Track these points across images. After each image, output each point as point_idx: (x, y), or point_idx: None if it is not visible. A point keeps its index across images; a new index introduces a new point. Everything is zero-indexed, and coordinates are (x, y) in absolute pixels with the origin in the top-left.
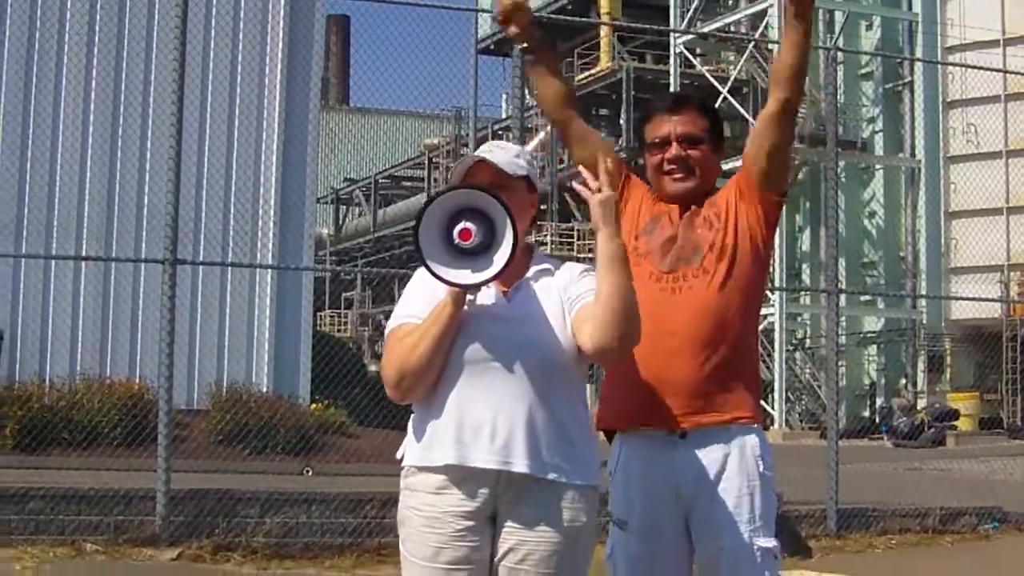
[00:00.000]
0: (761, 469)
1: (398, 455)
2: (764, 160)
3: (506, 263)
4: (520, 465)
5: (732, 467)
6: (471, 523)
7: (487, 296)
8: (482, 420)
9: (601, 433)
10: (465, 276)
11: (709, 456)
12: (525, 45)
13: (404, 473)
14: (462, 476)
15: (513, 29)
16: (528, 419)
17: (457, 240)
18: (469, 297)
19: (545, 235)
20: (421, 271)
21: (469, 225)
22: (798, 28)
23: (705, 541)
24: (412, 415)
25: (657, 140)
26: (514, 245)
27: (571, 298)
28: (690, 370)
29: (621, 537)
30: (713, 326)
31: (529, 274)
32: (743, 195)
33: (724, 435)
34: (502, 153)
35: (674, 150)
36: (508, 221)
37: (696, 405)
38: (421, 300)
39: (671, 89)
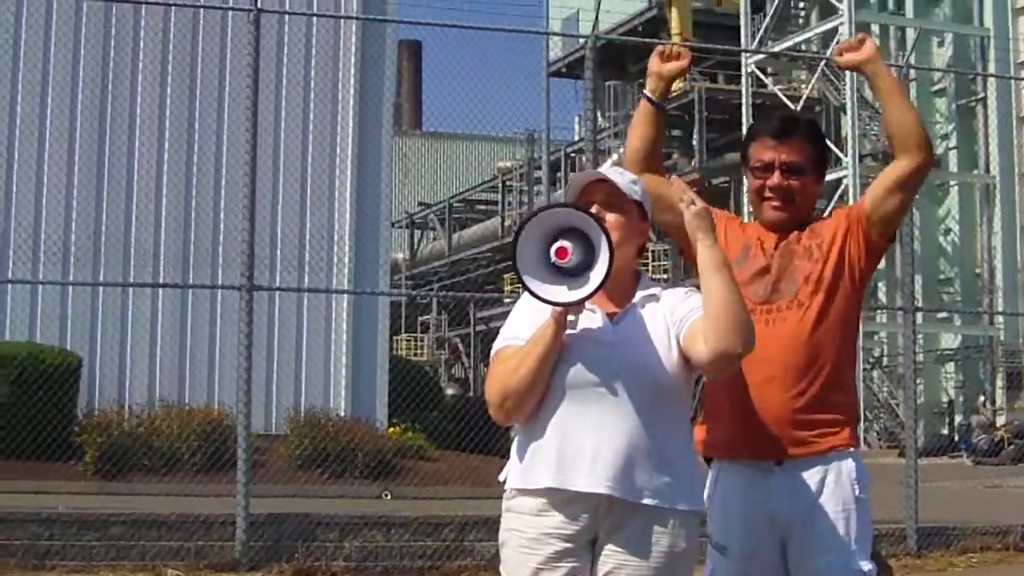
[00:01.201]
0: (857, 493)
1: (501, 477)
2: (887, 207)
3: (601, 282)
4: (620, 491)
5: (828, 491)
6: (570, 545)
7: (593, 320)
8: (584, 444)
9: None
10: (560, 294)
11: (805, 482)
12: (656, 88)
13: (506, 495)
14: (562, 500)
15: (668, 67)
16: (630, 444)
17: (554, 259)
18: (571, 318)
19: None
20: (527, 294)
21: (566, 244)
22: (883, 83)
23: (801, 565)
24: (515, 437)
25: (760, 164)
26: (610, 265)
27: (679, 318)
28: (783, 401)
29: (721, 562)
30: (806, 359)
31: (636, 299)
32: (851, 230)
33: (820, 461)
34: (620, 176)
35: (776, 179)
36: (604, 241)
37: (791, 436)
38: (527, 322)
39: (743, 109)
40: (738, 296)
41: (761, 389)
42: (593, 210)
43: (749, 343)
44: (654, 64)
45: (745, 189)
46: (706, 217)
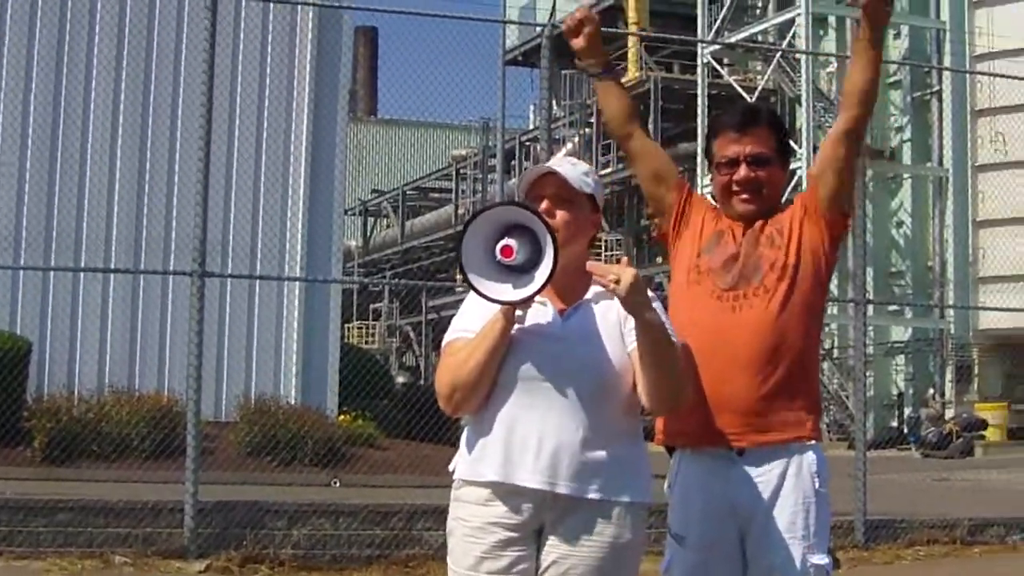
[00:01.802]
0: (817, 486)
1: (450, 467)
2: (832, 179)
3: (545, 281)
4: (564, 487)
5: (788, 484)
6: (515, 535)
7: (543, 315)
8: (529, 439)
9: (662, 447)
10: (506, 292)
11: (766, 474)
12: (591, 60)
13: (455, 485)
14: (506, 492)
15: (580, 42)
16: (576, 439)
17: (499, 257)
18: (519, 313)
19: None
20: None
21: (511, 242)
22: (870, 51)
23: (758, 557)
24: (465, 428)
25: (725, 160)
26: (554, 264)
27: (631, 329)
28: (749, 388)
29: (679, 552)
30: (772, 345)
31: (588, 295)
32: (808, 214)
33: (782, 452)
34: (571, 168)
35: (743, 171)
36: (550, 239)
37: (754, 423)
38: (477, 315)
39: (699, 99)
40: (678, 366)
41: (725, 376)
42: (543, 205)
43: (686, 401)
44: (572, 45)
45: (708, 182)
46: (642, 288)
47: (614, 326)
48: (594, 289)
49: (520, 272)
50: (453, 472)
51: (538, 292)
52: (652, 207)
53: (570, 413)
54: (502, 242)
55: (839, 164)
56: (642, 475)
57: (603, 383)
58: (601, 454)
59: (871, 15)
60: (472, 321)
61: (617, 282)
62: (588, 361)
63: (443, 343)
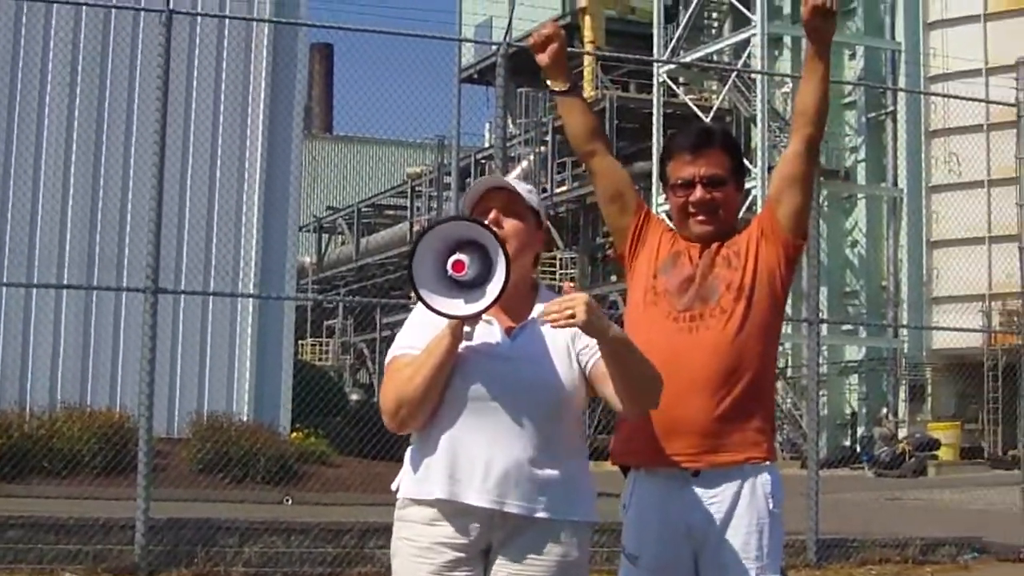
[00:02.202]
0: (771, 507)
1: (393, 486)
2: (790, 200)
3: (499, 294)
4: (512, 506)
5: (743, 505)
6: (462, 555)
7: (490, 334)
8: (476, 458)
9: (616, 467)
10: (458, 307)
11: (720, 495)
12: (555, 77)
13: (399, 504)
14: (453, 512)
15: (544, 58)
16: (523, 458)
17: (451, 272)
18: (467, 329)
19: None
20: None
21: (463, 257)
22: (818, 67)
23: None
24: (410, 446)
25: (680, 182)
26: (506, 278)
27: (584, 346)
28: (705, 410)
29: (632, 572)
30: (729, 366)
31: (535, 313)
32: (765, 235)
33: (736, 474)
34: (517, 184)
35: (699, 193)
36: (501, 253)
37: (709, 444)
38: (422, 332)
39: (654, 119)
40: (647, 370)
41: (681, 398)
42: (491, 215)
43: (657, 402)
44: (538, 61)
45: (663, 202)
46: (596, 310)
47: (563, 345)
48: (539, 307)
49: (470, 288)
50: (396, 491)
51: (491, 305)
52: (609, 225)
53: (518, 433)
54: (453, 257)
55: (796, 185)
56: (588, 494)
57: (551, 403)
58: (549, 473)
59: (812, 31)
60: (416, 338)
61: (572, 315)
62: (536, 381)
63: (387, 359)
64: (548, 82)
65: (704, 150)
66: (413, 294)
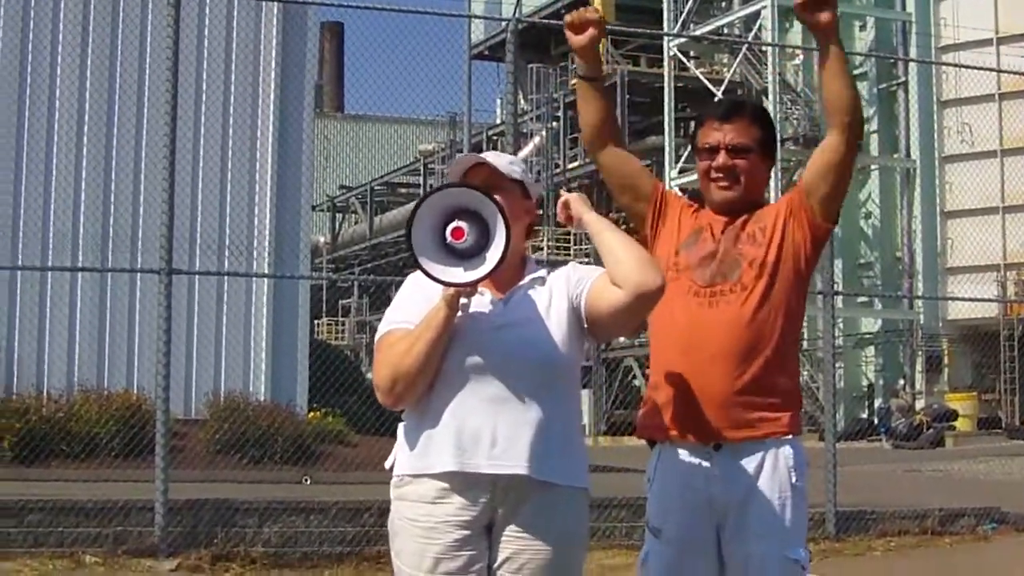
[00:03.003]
0: (794, 480)
1: (387, 464)
2: (824, 188)
3: (499, 260)
4: (521, 468)
5: (765, 478)
6: (468, 532)
7: (482, 303)
8: (481, 426)
9: (642, 440)
10: (457, 275)
11: (743, 468)
12: (586, 62)
13: (396, 483)
14: (463, 483)
15: (582, 39)
16: (527, 424)
17: (450, 239)
18: (463, 301)
19: (542, 240)
20: (413, 276)
21: (462, 224)
22: (828, 58)
23: (734, 551)
24: (402, 423)
25: (706, 147)
26: (507, 244)
27: (577, 280)
28: (725, 384)
29: (655, 545)
30: (748, 342)
31: (524, 282)
32: (794, 215)
33: (759, 447)
34: (497, 157)
35: (721, 159)
36: (501, 220)
37: (731, 418)
38: (414, 306)
39: (665, 93)
40: (636, 243)
41: (703, 371)
42: None
43: (661, 277)
44: (569, 39)
45: (676, 175)
46: (581, 200)
47: (554, 308)
48: (529, 276)
49: (468, 256)
50: (391, 469)
51: (493, 272)
52: (626, 213)
53: (518, 398)
54: (452, 224)
55: (833, 173)
56: (584, 461)
57: (549, 366)
58: (553, 438)
59: (809, 25)
60: (409, 312)
61: (566, 204)
62: (532, 345)
63: (377, 335)
64: (576, 64)
65: (733, 118)
66: (412, 263)
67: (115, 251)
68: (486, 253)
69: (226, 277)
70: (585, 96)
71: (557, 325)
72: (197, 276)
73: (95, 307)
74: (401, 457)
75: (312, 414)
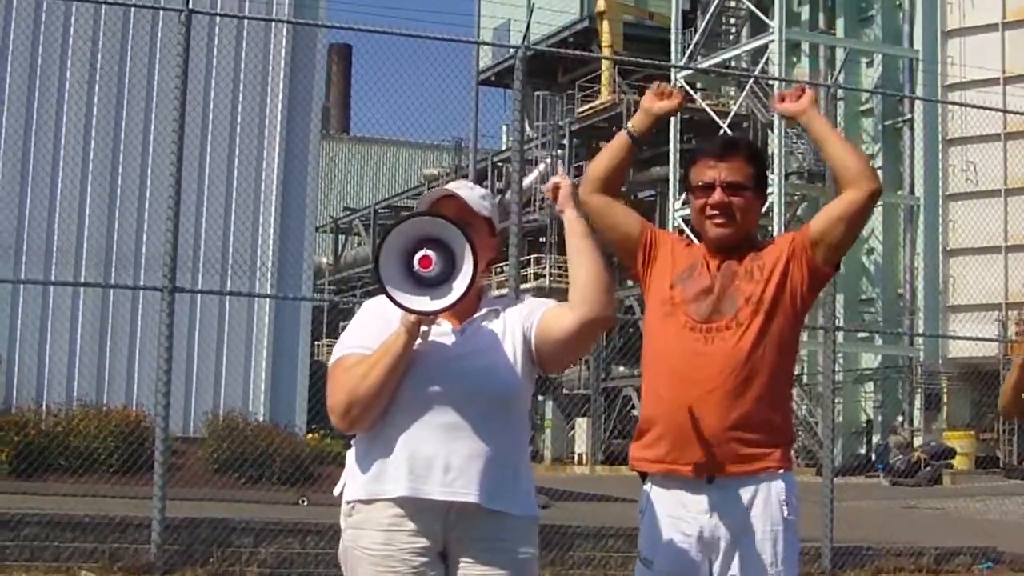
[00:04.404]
0: (786, 515)
1: (336, 490)
2: (832, 237)
3: (466, 290)
4: (473, 496)
5: (757, 512)
6: (425, 559)
7: (439, 333)
8: (435, 453)
9: (635, 472)
10: (423, 303)
11: (735, 502)
12: (644, 124)
13: (347, 511)
14: (416, 509)
15: (664, 105)
16: (479, 451)
17: (417, 268)
18: (423, 329)
19: (544, 266)
20: (371, 301)
21: (429, 253)
22: (817, 135)
23: None
24: (351, 449)
25: (702, 184)
26: (474, 275)
27: (529, 312)
28: (719, 418)
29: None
30: (743, 377)
31: (480, 313)
32: (795, 256)
33: (752, 481)
34: (469, 191)
35: (718, 196)
36: (468, 249)
37: (724, 453)
38: (372, 331)
39: (671, 124)
40: (605, 263)
41: (697, 406)
42: None
43: (613, 309)
44: (647, 100)
45: (673, 206)
46: (577, 192)
47: (508, 340)
48: (484, 308)
49: (434, 285)
50: (340, 495)
51: (459, 301)
52: (616, 252)
53: (472, 427)
54: (420, 253)
55: (843, 226)
56: (532, 490)
57: (503, 396)
58: (504, 468)
59: (799, 118)
60: (365, 337)
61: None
62: (487, 375)
63: (333, 358)
64: (632, 124)
65: (728, 156)
66: (378, 290)
67: (118, 268)
68: (452, 283)
69: (228, 296)
70: (619, 149)
71: (512, 356)
72: (200, 295)
73: (96, 323)
74: (352, 483)
75: (311, 435)
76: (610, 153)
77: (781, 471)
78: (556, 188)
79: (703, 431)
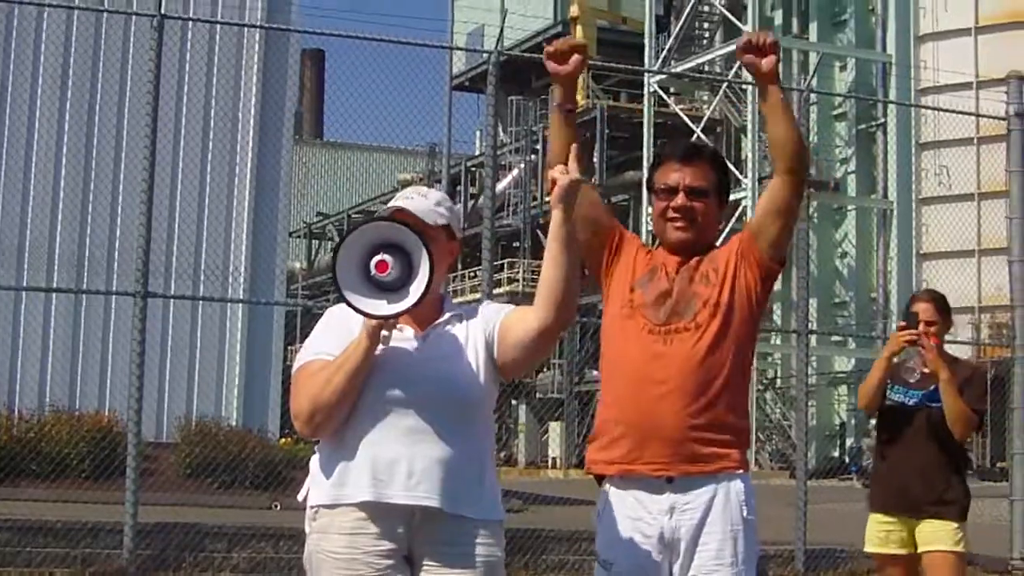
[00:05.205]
0: (745, 514)
1: (300, 496)
2: (770, 231)
3: (423, 294)
4: (436, 501)
5: (716, 512)
6: (390, 562)
7: (402, 338)
8: (398, 458)
9: (591, 476)
10: (381, 307)
11: (695, 502)
12: (563, 93)
13: (311, 515)
14: (379, 513)
15: (566, 68)
16: (442, 456)
17: (374, 272)
18: (384, 334)
19: (518, 271)
20: (334, 309)
21: (386, 257)
22: (768, 103)
23: None
24: (315, 455)
25: (665, 187)
26: (431, 277)
27: (493, 316)
28: (677, 420)
29: None
30: (701, 380)
31: (442, 319)
32: (744, 256)
33: (711, 481)
34: (422, 201)
35: (679, 200)
36: (424, 254)
37: (683, 453)
38: (335, 337)
39: (644, 128)
40: (575, 275)
41: (655, 407)
42: None
43: (572, 319)
44: (552, 69)
45: (647, 211)
46: (574, 191)
47: (471, 345)
48: (448, 313)
49: (392, 289)
50: (304, 500)
51: (415, 305)
52: (583, 251)
53: (435, 431)
54: (377, 257)
55: (779, 218)
56: (497, 493)
57: (465, 400)
58: (468, 472)
59: (747, 66)
60: (328, 344)
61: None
62: (449, 379)
63: (296, 365)
64: (557, 95)
65: (692, 161)
66: (336, 295)
67: (91, 273)
68: (409, 287)
69: (201, 301)
70: (556, 126)
71: (474, 361)
72: (172, 300)
73: (69, 328)
74: (316, 488)
75: (284, 440)
76: (555, 134)
77: (740, 471)
78: (554, 182)
79: (662, 432)
